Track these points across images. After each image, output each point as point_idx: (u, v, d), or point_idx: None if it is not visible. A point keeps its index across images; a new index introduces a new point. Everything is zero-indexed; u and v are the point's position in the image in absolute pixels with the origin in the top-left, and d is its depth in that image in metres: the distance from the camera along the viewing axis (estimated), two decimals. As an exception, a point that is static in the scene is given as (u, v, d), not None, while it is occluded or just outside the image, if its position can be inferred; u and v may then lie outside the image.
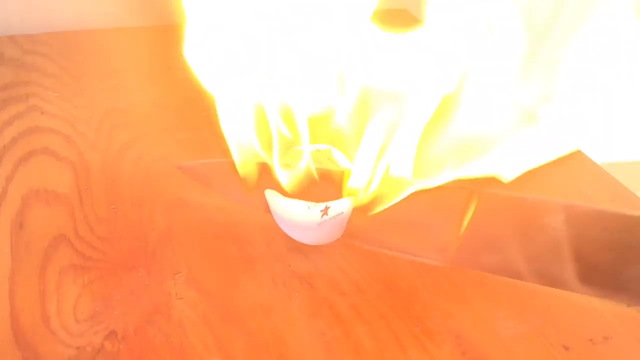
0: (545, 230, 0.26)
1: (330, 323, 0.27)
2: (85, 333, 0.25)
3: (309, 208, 0.27)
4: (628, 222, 0.25)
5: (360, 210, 0.28)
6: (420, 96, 0.25)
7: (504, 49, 0.24)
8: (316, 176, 0.28)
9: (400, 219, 0.29)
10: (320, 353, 0.25)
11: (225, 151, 0.28)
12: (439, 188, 0.26)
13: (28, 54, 0.47)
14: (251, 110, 0.28)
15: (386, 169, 0.28)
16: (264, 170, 0.29)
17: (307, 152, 0.28)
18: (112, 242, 0.30)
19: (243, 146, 0.29)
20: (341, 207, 0.28)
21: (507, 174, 0.27)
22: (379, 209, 0.28)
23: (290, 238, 0.29)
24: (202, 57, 0.26)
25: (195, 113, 0.40)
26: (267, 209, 0.29)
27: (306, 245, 0.30)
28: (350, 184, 0.28)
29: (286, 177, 0.28)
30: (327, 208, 0.27)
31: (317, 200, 0.27)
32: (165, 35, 0.38)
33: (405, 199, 0.27)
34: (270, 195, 0.28)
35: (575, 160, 0.38)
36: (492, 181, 0.27)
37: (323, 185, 0.29)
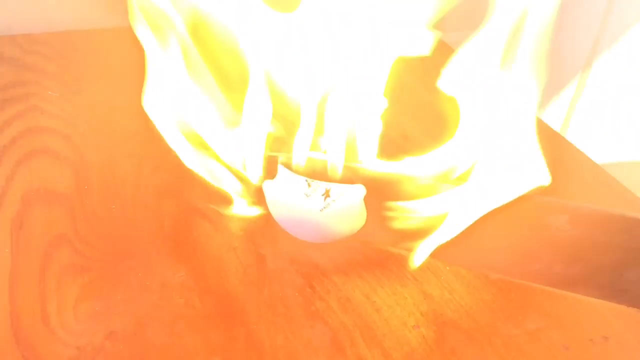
0: (549, 231, 0.26)
1: (332, 323, 0.27)
2: (85, 333, 0.25)
3: (309, 186, 0.26)
4: (629, 224, 0.25)
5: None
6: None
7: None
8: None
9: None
10: (322, 353, 0.25)
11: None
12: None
13: (28, 54, 0.47)
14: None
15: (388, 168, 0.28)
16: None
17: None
18: (112, 242, 0.30)
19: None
20: (346, 191, 0.26)
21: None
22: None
23: (297, 239, 0.29)
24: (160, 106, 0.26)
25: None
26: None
27: (312, 245, 0.30)
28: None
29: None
30: (327, 190, 0.26)
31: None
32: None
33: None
34: (268, 186, 0.28)
35: (575, 160, 0.38)
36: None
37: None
